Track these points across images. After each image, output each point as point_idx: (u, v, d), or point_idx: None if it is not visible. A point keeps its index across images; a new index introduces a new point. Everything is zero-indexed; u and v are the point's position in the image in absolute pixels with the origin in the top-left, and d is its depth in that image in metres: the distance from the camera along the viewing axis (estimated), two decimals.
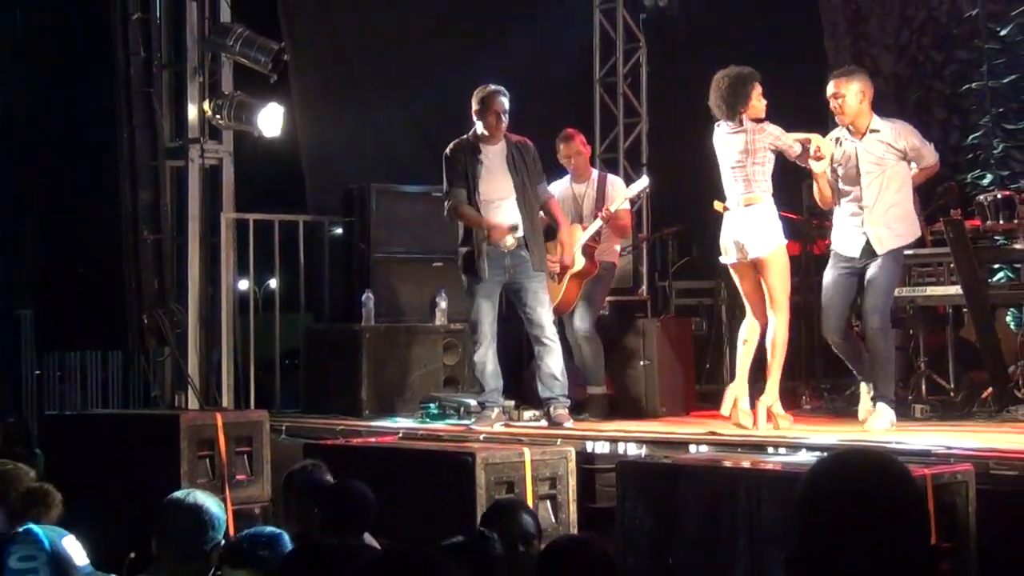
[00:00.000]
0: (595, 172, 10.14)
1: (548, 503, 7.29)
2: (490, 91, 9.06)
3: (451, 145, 9.18)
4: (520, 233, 9.02)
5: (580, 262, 9.56)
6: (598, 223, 9.66)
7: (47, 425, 9.93)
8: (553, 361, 9.04)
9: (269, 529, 5.01)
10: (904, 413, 8.86)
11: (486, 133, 9.07)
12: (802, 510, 2.71)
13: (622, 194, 9.84)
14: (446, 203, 9.21)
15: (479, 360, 9.12)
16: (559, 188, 9.84)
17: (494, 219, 9.03)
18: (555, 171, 9.91)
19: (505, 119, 9.04)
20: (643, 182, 10.05)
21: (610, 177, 10.17)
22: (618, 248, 10.15)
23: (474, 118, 9.10)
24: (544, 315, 9.05)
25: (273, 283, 12.01)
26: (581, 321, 9.65)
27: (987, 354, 8.94)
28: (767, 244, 8.35)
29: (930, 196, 10.00)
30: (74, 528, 5.67)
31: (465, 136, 9.15)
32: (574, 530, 7.30)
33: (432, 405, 9.82)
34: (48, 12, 11.01)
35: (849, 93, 8.26)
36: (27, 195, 11.30)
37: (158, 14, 10.88)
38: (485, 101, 9.05)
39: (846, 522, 2.65)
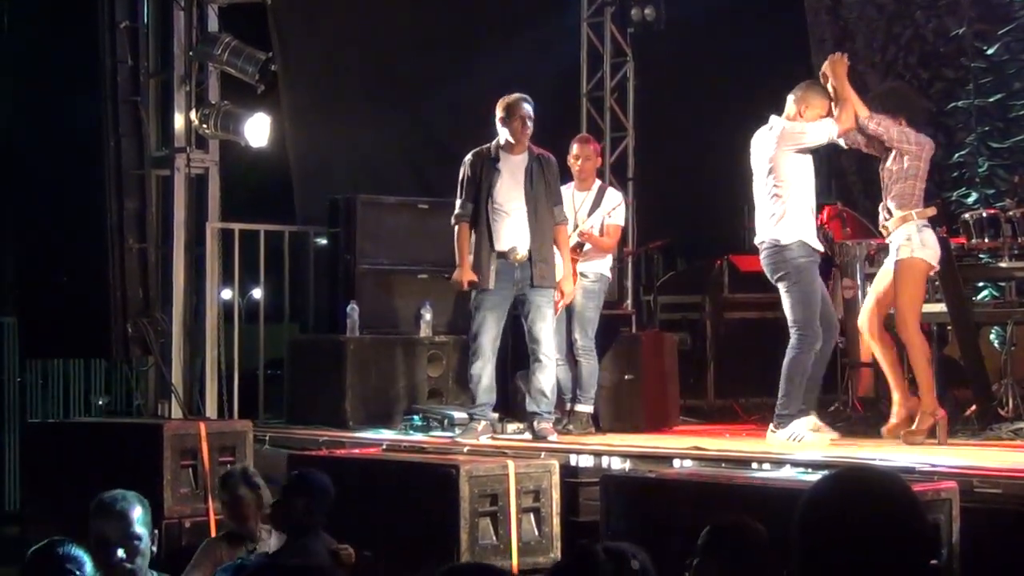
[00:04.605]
0: (598, 183, 10.13)
1: (531, 516, 7.29)
2: (516, 98, 9.09)
3: (471, 154, 9.18)
4: (526, 248, 9.01)
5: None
6: (575, 238, 9.67)
7: (29, 433, 9.88)
8: (545, 377, 9.02)
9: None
10: None
11: (511, 140, 9.05)
12: (803, 528, 2.69)
13: (600, 212, 9.80)
14: (453, 214, 9.22)
15: (475, 373, 9.08)
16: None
17: (499, 229, 9.04)
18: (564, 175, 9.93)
19: (530, 126, 9.05)
20: (613, 199, 9.95)
21: (609, 190, 10.12)
22: (610, 259, 10.14)
23: (499, 126, 9.10)
24: (543, 331, 9.02)
25: (257, 293, 11.99)
26: (580, 337, 9.65)
27: (971, 372, 8.96)
28: None
29: None
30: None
31: (486, 145, 9.14)
32: (558, 544, 7.30)
33: (416, 417, 9.81)
34: (34, 19, 10.96)
35: None
36: (9, 202, 11.25)
37: (146, 23, 10.84)
38: (511, 108, 9.06)
39: (848, 541, 2.64)
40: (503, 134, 9.10)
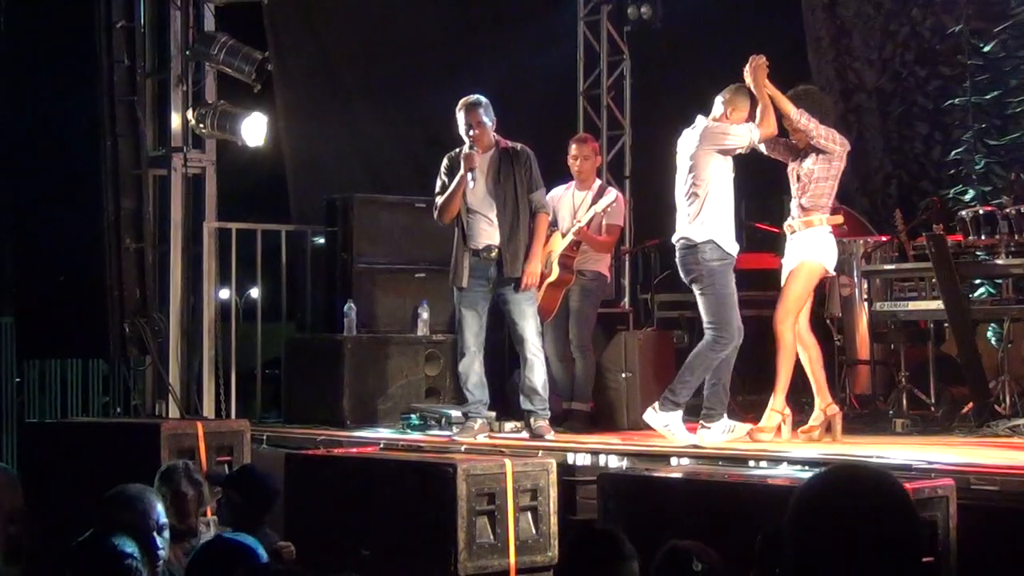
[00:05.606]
0: (598, 182, 10.12)
1: (529, 515, 7.28)
2: (462, 104, 9.05)
3: (446, 157, 9.20)
4: (496, 246, 9.01)
5: (556, 271, 9.56)
6: (571, 235, 9.66)
7: (27, 433, 9.87)
8: (535, 375, 9.02)
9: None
10: (885, 427, 8.90)
11: (467, 147, 9.06)
12: (794, 526, 2.69)
13: (596, 207, 9.79)
14: (434, 210, 9.23)
15: (462, 371, 9.12)
16: (560, 191, 9.83)
17: (474, 229, 9.03)
18: (563, 173, 9.95)
19: (480, 129, 8.99)
20: (608, 198, 9.96)
21: (609, 189, 10.13)
22: (608, 258, 10.13)
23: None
24: (526, 329, 9.02)
25: (255, 292, 11.99)
26: (575, 336, 9.67)
27: (968, 369, 8.97)
28: None
29: (913, 211, 10.05)
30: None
31: (459, 147, 9.14)
32: (555, 543, 7.29)
33: (413, 416, 9.81)
34: (31, 19, 10.96)
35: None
36: (6, 202, 11.25)
37: (142, 22, 10.84)
38: (458, 115, 9.04)
39: (839, 539, 2.63)
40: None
